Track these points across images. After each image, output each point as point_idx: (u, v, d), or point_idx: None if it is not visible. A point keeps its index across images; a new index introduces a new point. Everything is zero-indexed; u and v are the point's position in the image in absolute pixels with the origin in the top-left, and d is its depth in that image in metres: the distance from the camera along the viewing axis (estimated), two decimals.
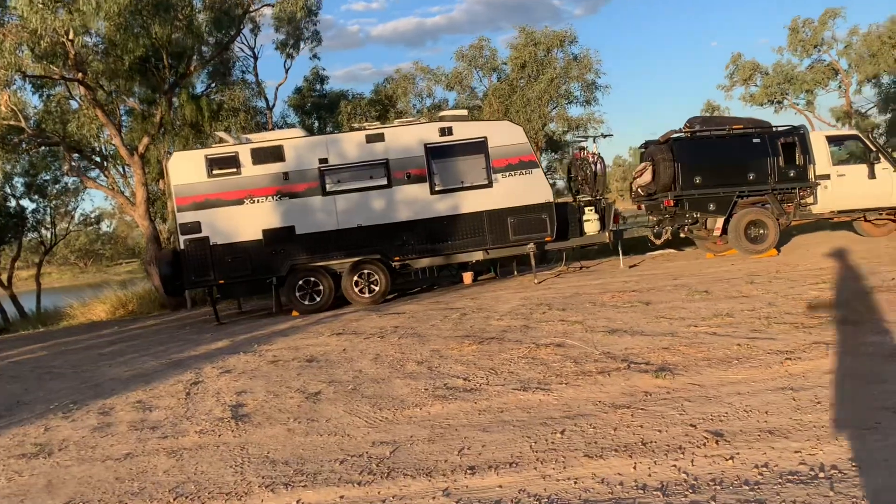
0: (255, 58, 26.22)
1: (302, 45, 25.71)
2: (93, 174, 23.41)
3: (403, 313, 12.09)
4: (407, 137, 14.11)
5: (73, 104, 20.07)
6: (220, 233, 13.88)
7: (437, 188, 14.11)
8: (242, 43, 25.92)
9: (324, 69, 27.07)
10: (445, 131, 14.13)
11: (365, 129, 14.46)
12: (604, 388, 6.04)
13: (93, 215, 35.08)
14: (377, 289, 14.25)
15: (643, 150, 16.34)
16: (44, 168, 28.86)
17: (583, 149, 15.35)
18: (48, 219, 32.44)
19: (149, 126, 18.17)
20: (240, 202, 13.90)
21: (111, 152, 19.16)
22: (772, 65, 37.44)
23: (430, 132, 14.15)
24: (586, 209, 15.02)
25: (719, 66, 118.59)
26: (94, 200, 72.87)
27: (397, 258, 14.23)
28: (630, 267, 15.91)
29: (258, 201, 13.93)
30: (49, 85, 18.36)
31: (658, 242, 15.74)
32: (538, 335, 8.55)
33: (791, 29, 36.74)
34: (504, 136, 14.19)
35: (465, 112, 14.77)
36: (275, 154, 13.95)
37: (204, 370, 8.97)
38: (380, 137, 14.08)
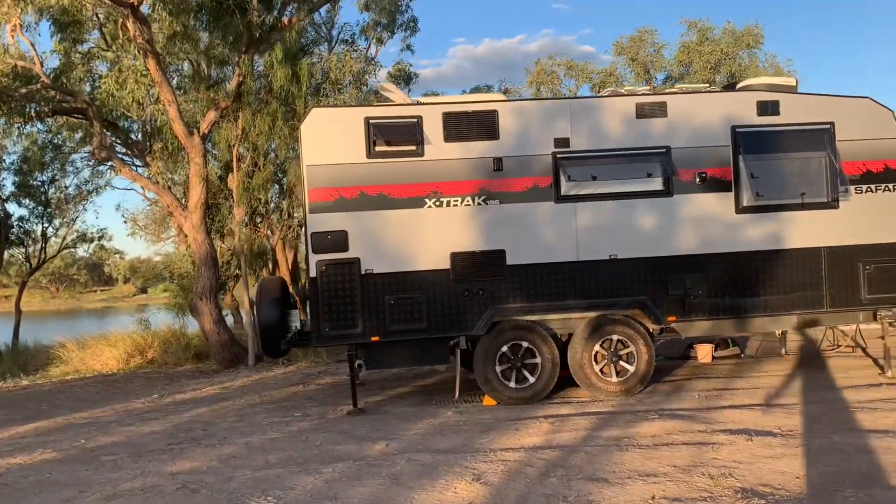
0: (332, 46, 20.57)
1: (395, 31, 20.15)
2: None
3: (779, 435, 6.14)
4: (703, 113, 8.36)
5: (104, 67, 14.13)
6: (380, 253, 7.94)
7: (746, 203, 8.30)
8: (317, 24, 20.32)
9: (410, 65, 21.35)
10: (767, 108, 8.39)
11: (633, 93, 8.67)
12: None
13: (95, 229, 28.22)
14: (632, 368, 8.29)
15: None
16: (39, 165, 22.76)
17: None
18: (38, 230, 25.97)
19: (219, 95, 12.31)
20: (418, 203, 8.00)
21: (161, 126, 13.15)
22: None
23: (742, 107, 8.40)
24: None
25: None
26: (98, 211, 63.95)
27: (672, 317, 8.32)
28: None
29: (448, 204, 8.04)
30: (79, 25, 12.39)
31: None
32: None
33: None
34: (862, 124, 8.47)
35: (792, 80, 9.03)
36: (482, 125, 8.10)
37: None
38: (659, 110, 8.30)
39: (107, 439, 7.62)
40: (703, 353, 10.96)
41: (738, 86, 9.04)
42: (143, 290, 71.13)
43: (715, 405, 7.55)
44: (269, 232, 15.04)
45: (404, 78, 21.85)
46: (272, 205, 14.27)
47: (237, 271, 14.87)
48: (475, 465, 5.62)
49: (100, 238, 27.25)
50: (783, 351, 10.91)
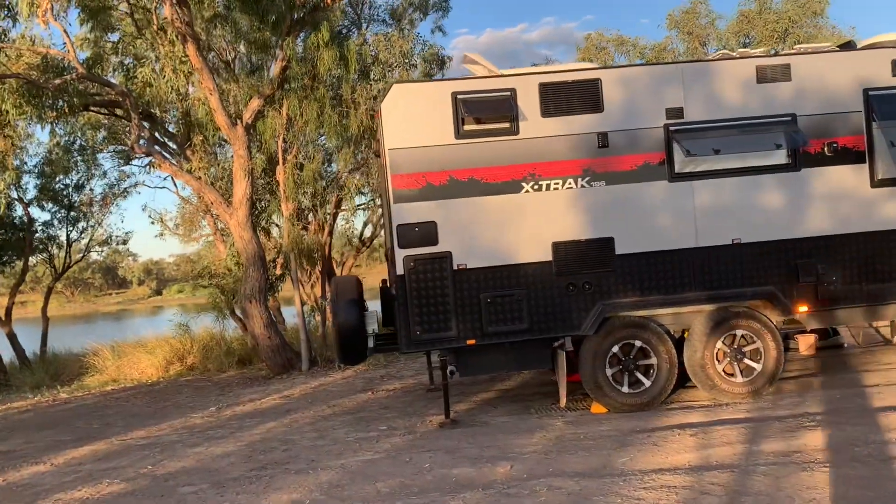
0: (364, 29, 19.56)
1: (428, 11, 19.13)
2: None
3: None
4: (831, 75, 7.36)
5: (134, 58, 13.22)
6: (473, 246, 7.02)
7: (883, 175, 7.33)
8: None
9: (443, 49, 20.33)
10: None
11: (746, 56, 7.67)
12: None
13: (122, 232, 27.38)
14: (758, 367, 7.36)
15: None
16: (63, 168, 21.89)
17: None
18: (62, 235, 25.15)
19: (261, 83, 11.42)
20: (514, 187, 7.07)
21: (201, 118, 12.22)
22: None
23: (874, 67, 7.40)
24: None
25: None
26: (125, 213, 60.72)
27: (804, 308, 7.37)
28: None
29: (548, 187, 7.10)
30: (108, 12, 11.49)
31: None
32: None
33: None
34: None
35: None
36: (585, 97, 7.15)
37: None
38: (783, 73, 7.31)
39: (176, 464, 6.76)
40: (806, 344, 9.81)
41: (861, 45, 8.03)
42: (158, 292, 71.07)
43: (871, 407, 6.58)
44: (318, 227, 14.13)
45: (437, 62, 20.87)
46: (320, 198, 13.39)
47: (282, 270, 13.96)
48: (637, 494, 4.70)
49: (125, 242, 26.50)
50: (893, 339, 9.91)
